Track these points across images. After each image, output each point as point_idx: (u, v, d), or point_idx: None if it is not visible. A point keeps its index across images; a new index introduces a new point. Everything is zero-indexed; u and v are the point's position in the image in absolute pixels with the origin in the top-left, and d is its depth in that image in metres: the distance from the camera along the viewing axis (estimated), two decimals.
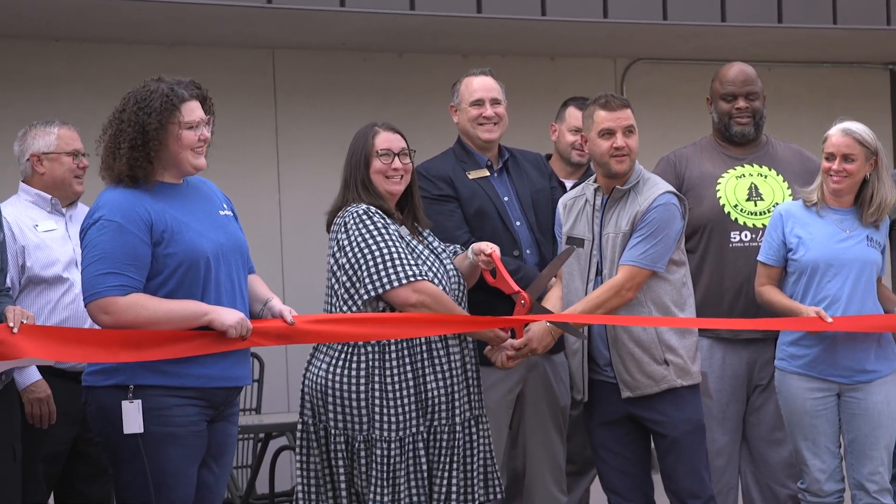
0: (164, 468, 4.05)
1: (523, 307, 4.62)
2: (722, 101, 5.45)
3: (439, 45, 7.06)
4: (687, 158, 5.46)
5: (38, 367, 4.67)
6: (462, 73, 5.45)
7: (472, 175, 5.18)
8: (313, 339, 4.44)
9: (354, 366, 4.52)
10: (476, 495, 4.69)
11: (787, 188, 5.38)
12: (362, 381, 4.52)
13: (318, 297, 4.63)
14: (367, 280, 4.49)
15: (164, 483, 4.06)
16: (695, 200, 5.17)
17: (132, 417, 3.99)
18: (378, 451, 4.52)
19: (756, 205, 5.37)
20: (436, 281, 4.59)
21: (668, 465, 4.87)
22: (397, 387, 4.54)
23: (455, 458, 4.65)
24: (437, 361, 4.59)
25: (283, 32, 6.65)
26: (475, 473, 4.69)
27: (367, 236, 4.52)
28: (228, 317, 4.07)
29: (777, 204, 5.27)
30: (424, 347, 4.58)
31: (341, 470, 4.56)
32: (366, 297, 4.49)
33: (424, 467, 4.57)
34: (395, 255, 4.51)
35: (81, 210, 4.93)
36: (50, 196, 4.93)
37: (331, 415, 4.55)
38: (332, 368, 4.54)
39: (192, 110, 4.15)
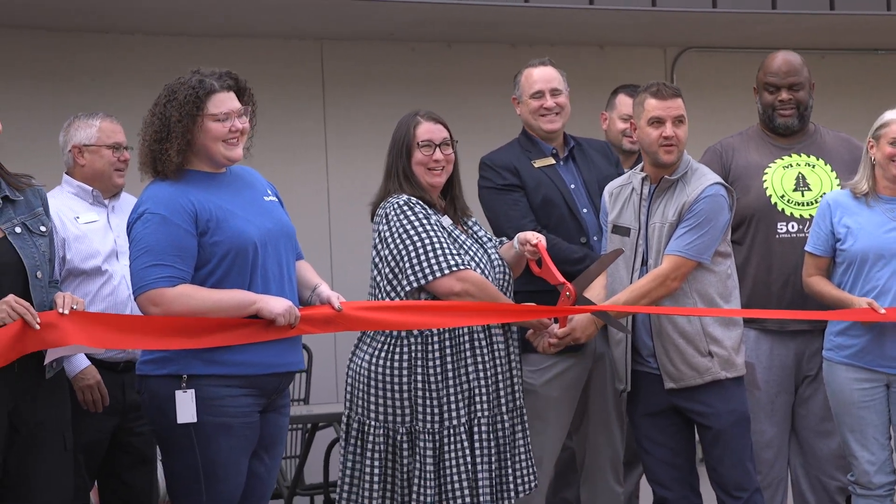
0: (215, 458, 4.09)
1: (568, 299, 4.63)
2: (766, 92, 5.42)
3: (487, 34, 7.08)
4: (733, 148, 5.43)
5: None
6: (510, 62, 5.48)
7: (538, 164, 5.19)
8: (361, 326, 4.45)
9: (397, 356, 4.54)
10: (516, 487, 4.69)
11: (836, 178, 5.35)
12: (405, 371, 4.54)
13: (367, 286, 4.67)
14: (409, 271, 4.51)
15: (215, 473, 4.11)
16: (741, 191, 5.16)
17: (186, 407, 4.04)
18: (421, 444, 4.54)
19: (803, 195, 5.36)
20: (478, 270, 4.59)
21: (713, 457, 4.88)
22: (440, 378, 4.55)
23: (500, 450, 4.66)
24: (478, 353, 4.60)
25: (331, 23, 6.70)
26: (517, 466, 4.70)
27: (409, 227, 4.54)
28: (276, 305, 4.11)
29: (825, 194, 5.27)
30: (467, 339, 4.58)
31: (377, 463, 4.56)
32: (408, 288, 4.51)
33: (468, 459, 4.58)
34: (438, 245, 4.52)
35: (124, 200, 4.96)
36: (91, 188, 4.94)
37: (371, 406, 4.56)
38: (374, 359, 4.57)
39: (222, 102, 4.17)
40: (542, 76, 5.24)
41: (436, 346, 4.56)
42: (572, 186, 5.21)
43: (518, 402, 4.73)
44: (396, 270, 4.56)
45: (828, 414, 5.30)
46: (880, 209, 5.07)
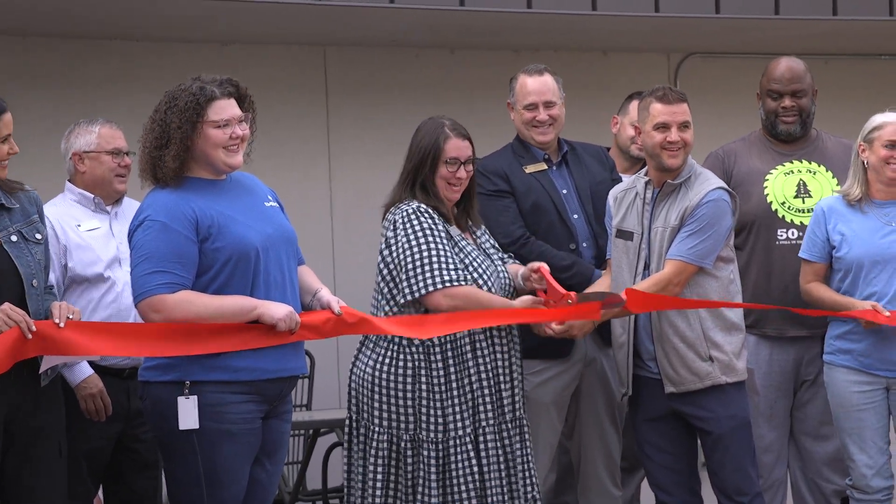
0: (217, 465, 4.10)
1: (569, 305, 4.66)
2: (769, 99, 5.44)
3: (490, 41, 7.10)
4: (735, 154, 5.46)
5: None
6: (513, 68, 5.47)
7: (530, 169, 5.22)
8: (360, 331, 4.46)
9: (402, 363, 4.56)
10: (523, 497, 4.69)
11: (837, 184, 5.35)
12: (409, 379, 4.56)
13: (370, 291, 4.68)
14: (404, 283, 4.53)
15: (217, 480, 4.12)
16: (742, 197, 5.17)
17: (188, 413, 4.05)
18: (425, 453, 4.55)
19: (804, 202, 5.37)
20: (481, 281, 4.61)
21: (714, 462, 4.89)
22: (443, 387, 4.56)
23: (508, 459, 4.67)
24: (481, 360, 4.61)
25: (334, 29, 6.72)
26: (521, 477, 4.70)
27: (412, 237, 4.56)
28: (277, 311, 4.13)
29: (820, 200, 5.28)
30: (468, 346, 4.60)
31: (379, 469, 4.57)
32: (402, 301, 4.54)
33: (475, 469, 4.58)
34: (436, 258, 4.54)
35: (127, 206, 4.96)
36: (93, 195, 4.94)
37: (376, 412, 4.58)
38: (378, 365, 4.58)
39: (223, 109, 4.18)
40: (536, 88, 5.25)
41: (438, 356, 4.57)
42: (564, 192, 5.24)
43: (519, 413, 4.73)
44: (396, 281, 4.58)
45: (825, 418, 5.32)
46: (874, 214, 5.09)
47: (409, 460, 4.56)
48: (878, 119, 5.08)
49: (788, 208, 5.37)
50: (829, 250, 5.09)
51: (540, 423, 5.04)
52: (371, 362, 4.61)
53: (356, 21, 6.43)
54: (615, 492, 5.36)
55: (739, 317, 4.92)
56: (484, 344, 4.63)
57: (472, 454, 4.58)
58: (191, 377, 4.09)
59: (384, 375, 4.57)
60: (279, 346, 4.18)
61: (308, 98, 7.09)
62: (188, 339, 4.07)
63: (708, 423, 4.86)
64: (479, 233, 4.82)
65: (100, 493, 4.99)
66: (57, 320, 3.96)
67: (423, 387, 4.55)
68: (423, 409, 4.55)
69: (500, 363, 4.66)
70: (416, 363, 4.56)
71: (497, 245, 4.86)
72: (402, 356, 4.57)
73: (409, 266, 4.53)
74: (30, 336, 3.90)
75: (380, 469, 4.58)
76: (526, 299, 4.68)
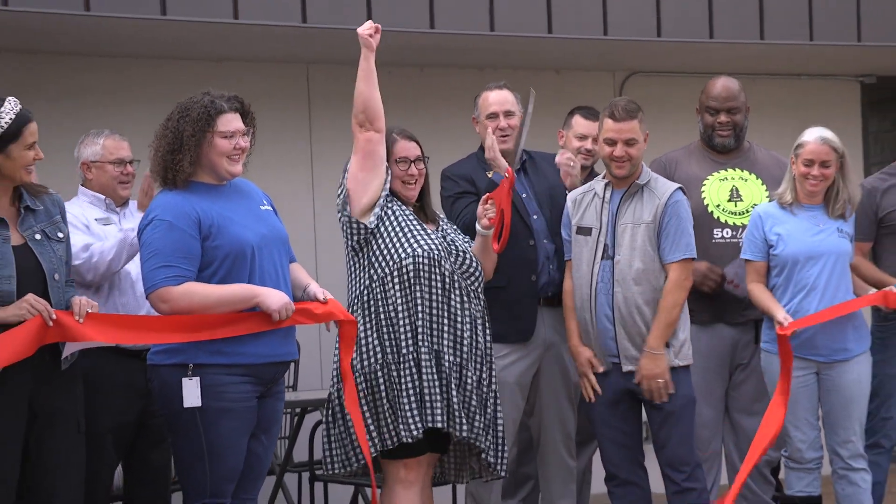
0: (217, 439, 4.13)
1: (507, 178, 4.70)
2: (706, 114, 5.50)
3: (456, 60, 7.10)
4: (676, 161, 5.51)
5: (107, 346, 4.71)
6: (477, 85, 5.50)
7: (492, 174, 5.25)
8: (334, 318, 4.40)
9: (375, 341, 4.56)
10: (495, 465, 4.70)
11: (766, 190, 5.43)
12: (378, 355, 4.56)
13: (346, 284, 4.71)
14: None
15: (218, 452, 4.14)
16: None
17: (191, 393, 4.08)
18: (395, 372, 4.52)
19: (736, 205, 5.43)
20: (434, 253, 4.59)
21: (662, 436, 4.93)
22: (402, 312, 4.54)
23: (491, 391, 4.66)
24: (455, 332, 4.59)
25: (317, 49, 6.71)
26: (497, 446, 4.70)
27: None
28: (273, 301, 4.15)
29: (755, 205, 5.34)
30: (447, 322, 4.58)
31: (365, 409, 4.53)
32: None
33: (445, 383, 4.54)
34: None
35: (133, 207, 4.98)
36: (104, 196, 4.97)
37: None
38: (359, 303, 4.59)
39: (230, 121, 4.22)
40: (496, 99, 5.28)
41: (408, 333, 4.56)
42: (524, 195, 5.26)
43: (494, 387, 4.71)
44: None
45: (757, 397, 5.38)
46: (803, 216, 5.17)
47: (383, 385, 4.53)
48: (804, 136, 5.17)
49: (723, 210, 5.42)
50: (767, 250, 5.15)
51: (505, 401, 5.06)
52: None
53: (336, 41, 6.42)
54: (571, 462, 5.40)
55: (686, 309, 4.97)
56: (458, 318, 4.61)
57: (434, 370, 4.53)
58: (194, 360, 4.12)
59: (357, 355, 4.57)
60: (274, 333, 4.20)
61: (292, 110, 7.07)
62: (193, 329, 4.09)
63: (661, 401, 4.89)
64: (442, 223, 4.83)
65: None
66: (77, 316, 3.99)
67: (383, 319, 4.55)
68: (386, 335, 4.54)
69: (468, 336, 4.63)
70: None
71: (461, 235, 4.87)
72: (375, 334, 4.57)
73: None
74: (51, 324, 3.92)
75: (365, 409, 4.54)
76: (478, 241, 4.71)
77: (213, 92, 4.27)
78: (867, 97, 8.37)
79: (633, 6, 6.80)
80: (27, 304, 3.92)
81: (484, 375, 4.69)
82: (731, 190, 5.45)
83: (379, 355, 4.56)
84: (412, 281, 4.56)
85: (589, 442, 5.77)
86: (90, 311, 4.04)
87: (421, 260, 4.57)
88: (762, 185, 5.46)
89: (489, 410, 4.69)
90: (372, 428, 4.53)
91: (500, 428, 4.72)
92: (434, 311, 4.58)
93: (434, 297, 4.58)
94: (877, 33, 7.37)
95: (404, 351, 4.54)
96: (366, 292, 4.60)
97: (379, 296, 4.57)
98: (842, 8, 7.29)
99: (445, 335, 4.59)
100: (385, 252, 4.60)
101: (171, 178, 4.20)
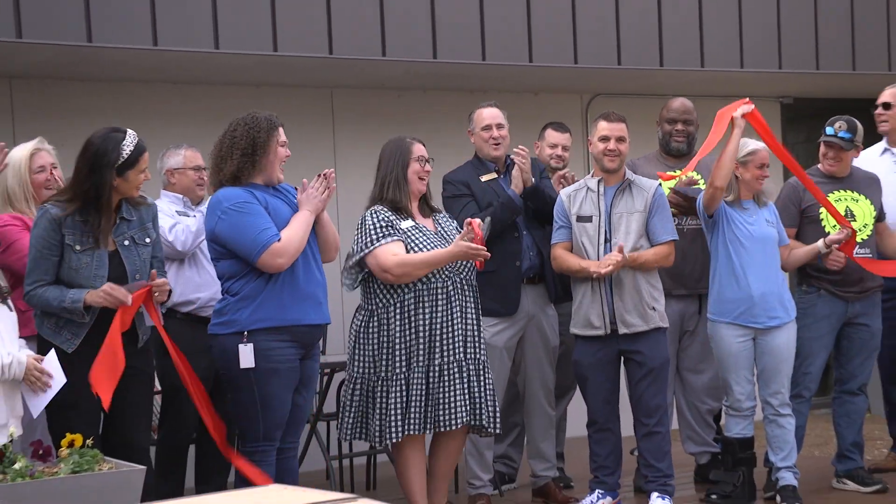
0: (268, 394, 4.14)
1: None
2: (666, 124, 5.59)
3: (452, 84, 7.10)
4: (636, 165, 5.55)
5: (183, 313, 4.82)
6: (470, 105, 5.51)
7: (484, 178, 5.28)
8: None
9: (374, 324, 4.52)
10: (487, 426, 4.65)
11: (704, 184, 5.43)
12: (374, 337, 4.53)
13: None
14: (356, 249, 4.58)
15: (269, 405, 4.17)
16: None
17: (246, 356, 4.10)
18: (387, 387, 4.48)
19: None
20: (428, 248, 4.53)
21: (640, 389, 4.93)
22: (400, 330, 4.49)
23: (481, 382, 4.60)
24: (435, 314, 4.53)
25: (340, 76, 6.70)
26: (488, 409, 4.64)
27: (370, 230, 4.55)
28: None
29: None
30: (427, 304, 4.50)
31: (355, 402, 4.56)
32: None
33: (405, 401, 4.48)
34: (372, 233, 4.52)
35: (203, 207, 4.96)
36: (183, 196, 5.03)
37: (356, 361, 4.58)
38: (362, 324, 4.56)
39: (282, 134, 4.25)
40: (490, 114, 5.31)
41: (396, 314, 4.52)
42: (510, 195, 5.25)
43: (481, 355, 4.64)
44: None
45: (702, 357, 5.43)
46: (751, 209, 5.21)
47: (380, 396, 4.50)
48: (751, 145, 5.20)
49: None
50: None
51: (494, 363, 5.09)
52: (356, 322, 4.59)
53: (356, 69, 6.43)
54: (551, 412, 5.44)
55: (660, 283, 5.02)
56: (443, 299, 4.55)
57: (423, 387, 4.49)
58: (248, 328, 4.12)
59: (361, 332, 4.56)
60: (305, 301, 4.16)
61: (318, 128, 7.05)
62: None
63: (646, 358, 4.91)
64: (440, 218, 4.77)
65: None
66: (156, 293, 4.01)
67: (380, 336, 4.52)
68: (385, 352, 4.51)
69: (456, 315, 4.56)
70: (382, 322, 4.52)
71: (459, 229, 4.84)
72: (374, 318, 4.55)
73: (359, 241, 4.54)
74: (129, 303, 3.95)
75: (356, 403, 4.54)
76: (459, 242, 4.61)
77: (259, 112, 4.25)
78: (786, 115, 8.40)
79: (598, 40, 6.83)
80: (103, 292, 3.94)
81: (474, 349, 4.64)
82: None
83: (374, 369, 4.53)
84: (412, 311, 4.52)
85: (565, 394, 5.82)
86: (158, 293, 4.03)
87: (421, 290, 4.52)
88: (704, 183, 5.48)
89: (483, 381, 4.65)
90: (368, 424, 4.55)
91: (492, 393, 4.69)
92: (435, 328, 4.52)
93: (434, 317, 4.53)
94: (794, 62, 7.43)
95: (397, 370, 4.50)
96: (376, 311, 4.56)
97: (383, 319, 4.54)
98: (766, 41, 7.35)
99: (437, 351, 4.52)
100: (388, 286, 4.55)
101: (237, 178, 4.17)
